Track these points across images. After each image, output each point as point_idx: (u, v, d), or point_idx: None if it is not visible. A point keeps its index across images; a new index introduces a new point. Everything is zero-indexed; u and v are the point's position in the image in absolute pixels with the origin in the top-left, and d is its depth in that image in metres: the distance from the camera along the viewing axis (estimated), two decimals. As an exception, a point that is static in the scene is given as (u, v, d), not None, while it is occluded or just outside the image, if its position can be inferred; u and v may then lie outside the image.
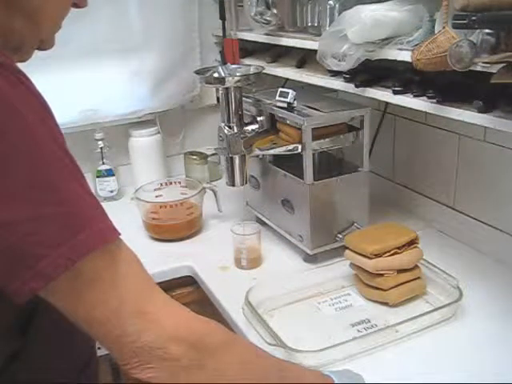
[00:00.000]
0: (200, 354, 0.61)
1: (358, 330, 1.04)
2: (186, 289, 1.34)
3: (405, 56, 0.99)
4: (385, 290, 1.10)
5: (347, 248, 1.16)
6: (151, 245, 1.44)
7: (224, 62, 1.65)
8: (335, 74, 1.24)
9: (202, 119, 1.89)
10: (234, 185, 1.40)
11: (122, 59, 1.66)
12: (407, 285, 1.11)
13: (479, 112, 0.88)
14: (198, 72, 1.40)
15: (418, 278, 1.13)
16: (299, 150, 1.24)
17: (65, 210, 0.55)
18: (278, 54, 1.56)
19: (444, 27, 0.88)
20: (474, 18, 0.77)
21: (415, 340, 1.01)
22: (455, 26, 0.81)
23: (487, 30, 0.81)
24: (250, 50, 1.69)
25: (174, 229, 1.45)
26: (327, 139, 1.26)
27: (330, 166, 1.35)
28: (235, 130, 1.34)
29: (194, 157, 1.78)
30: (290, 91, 1.26)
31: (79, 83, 1.58)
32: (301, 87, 1.40)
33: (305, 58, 1.44)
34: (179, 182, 1.60)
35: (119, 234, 0.60)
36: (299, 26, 1.39)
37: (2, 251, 0.53)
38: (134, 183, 1.68)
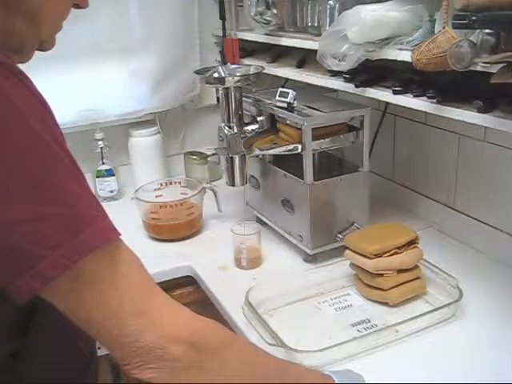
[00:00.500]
0: (200, 354, 0.61)
1: (358, 330, 1.04)
2: (186, 289, 1.34)
3: (405, 56, 0.99)
4: (385, 290, 1.10)
5: (347, 248, 1.16)
6: (151, 245, 1.44)
7: (224, 62, 1.65)
8: (335, 73, 1.24)
9: (202, 119, 1.89)
10: (234, 185, 1.41)
11: (121, 59, 1.66)
12: (407, 285, 1.11)
13: (479, 112, 0.88)
14: (198, 72, 1.40)
15: (418, 278, 1.13)
16: (299, 150, 1.24)
17: (65, 210, 0.55)
18: (278, 54, 1.56)
19: (444, 27, 0.88)
20: (474, 18, 0.77)
21: (415, 340, 1.01)
22: (455, 26, 0.81)
23: (487, 30, 0.81)
24: (249, 50, 1.69)
25: (173, 229, 1.45)
26: (327, 139, 1.26)
27: (330, 165, 1.35)
28: (235, 130, 1.34)
29: (194, 157, 1.78)
30: (290, 91, 1.26)
31: (79, 83, 1.58)
32: (301, 87, 1.40)
33: (305, 58, 1.44)
34: (179, 182, 1.60)
35: (119, 234, 0.60)
36: (299, 26, 1.39)
37: (2, 251, 0.53)
38: (134, 183, 1.68)
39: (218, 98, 1.76)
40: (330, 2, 1.18)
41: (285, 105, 1.27)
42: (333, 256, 1.26)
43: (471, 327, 1.04)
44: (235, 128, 1.34)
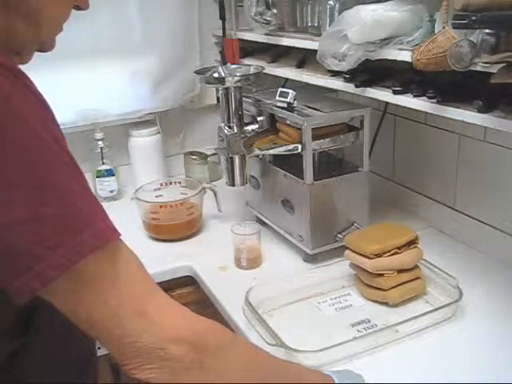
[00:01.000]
0: (200, 355, 0.61)
1: (358, 330, 1.04)
2: (186, 289, 1.34)
3: (405, 56, 0.99)
4: (385, 290, 1.10)
5: (347, 248, 1.16)
6: (151, 245, 1.44)
7: (224, 62, 1.65)
8: (335, 73, 1.24)
9: (202, 119, 1.88)
10: (234, 185, 1.40)
11: (121, 59, 1.66)
12: (407, 285, 1.11)
13: (479, 112, 0.88)
14: (197, 72, 1.40)
15: (418, 278, 1.13)
16: (299, 150, 1.24)
17: (65, 210, 0.55)
18: (278, 54, 1.56)
19: (444, 27, 0.88)
20: (474, 18, 0.77)
21: (415, 340, 1.01)
22: (455, 26, 0.81)
23: (487, 30, 0.81)
24: (249, 50, 1.69)
25: (173, 229, 1.45)
26: (327, 139, 1.26)
27: (330, 165, 1.35)
28: (235, 130, 1.34)
29: (194, 157, 1.78)
30: (290, 91, 1.26)
31: (79, 83, 1.58)
32: (301, 87, 1.40)
33: (305, 58, 1.44)
34: (179, 182, 1.60)
35: (119, 235, 0.60)
36: (299, 26, 1.39)
37: (2, 251, 0.53)
38: (134, 183, 1.68)
39: (218, 98, 1.76)
40: (330, 2, 1.18)
41: (285, 105, 1.27)
42: (333, 256, 1.26)
43: (471, 327, 1.04)
44: (235, 128, 1.34)
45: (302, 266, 1.28)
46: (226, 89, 1.33)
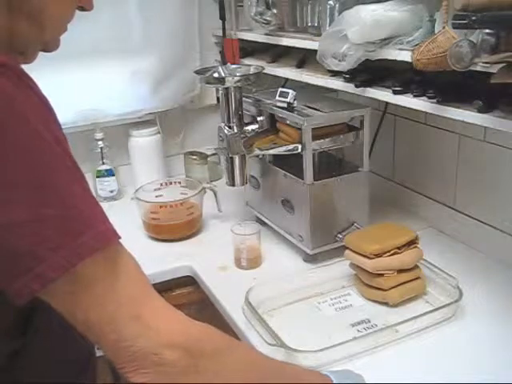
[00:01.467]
0: (195, 360, 0.61)
1: (358, 330, 1.04)
2: (186, 289, 1.34)
3: (405, 56, 0.99)
4: (385, 290, 1.10)
5: (347, 248, 1.16)
6: (151, 245, 1.44)
7: (224, 62, 1.65)
8: (335, 73, 1.24)
9: (202, 119, 1.88)
10: (234, 185, 1.40)
11: (121, 59, 1.66)
12: (407, 285, 1.11)
13: (479, 112, 0.88)
14: (197, 72, 1.40)
15: (418, 277, 1.13)
16: (299, 150, 1.24)
17: (66, 212, 0.55)
18: (278, 54, 1.56)
19: (444, 27, 0.88)
20: (474, 18, 0.77)
21: (415, 340, 1.01)
22: (455, 26, 0.81)
23: (487, 30, 0.81)
24: (249, 50, 1.69)
25: (173, 229, 1.45)
26: (327, 139, 1.26)
27: (330, 165, 1.35)
28: (235, 130, 1.34)
29: (194, 157, 1.78)
30: (290, 91, 1.26)
31: (79, 83, 1.58)
32: (301, 87, 1.40)
33: (305, 58, 1.44)
34: (179, 182, 1.60)
35: (119, 238, 0.60)
36: (299, 26, 1.39)
37: (2, 252, 0.53)
38: (134, 183, 1.68)
39: (218, 98, 1.76)
40: (330, 2, 1.18)
41: (285, 105, 1.27)
42: (333, 256, 1.26)
43: (471, 327, 1.04)
44: (235, 128, 1.34)
45: (302, 266, 1.28)
46: (226, 89, 1.33)
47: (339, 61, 1.10)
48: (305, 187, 1.24)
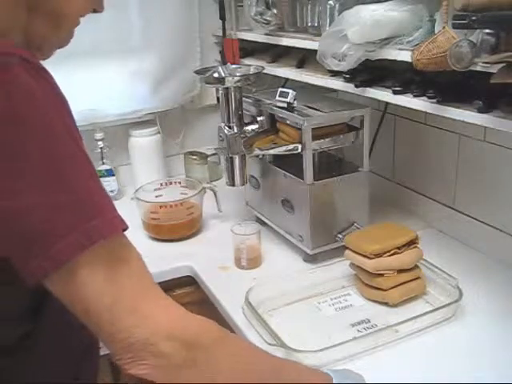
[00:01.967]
0: (193, 352, 0.61)
1: (358, 330, 1.04)
2: (186, 289, 1.34)
3: (405, 56, 0.99)
4: (385, 290, 1.10)
5: (347, 248, 1.16)
6: (151, 245, 1.44)
7: (224, 62, 1.65)
8: (335, 73, 1.24)
9: (202, 119, 1.89)
10: (234, 185, 1.40)
11: (121, 59, 1.66)
12: (407, 285, 1.11)
13: (479, 112, 0.88)
14: (197, 72, 1.40)
15: (418, 277, 1.13)
16: (299, 150, 1.24)
17: (78, 197, 0.58)
18: (278, 54, 1.56)
19: (444, 27, 0.88)
20: (474, 18, 0.77)
21: (415, 340, 1.01)
22: (455, 26, 0.81)
23: (487, 30, 0.81)
24: (249, 50, 1.69)
25: (173, 229, 1.45)
26: (327, 139, 1.26)
27: (330, 165, 1.35)
28: (235, 130, 1.34)
29: (194, 157, 1.78)
30: (290, 91, 1.26)
31: (79, 83, 1.57)
32: (301, 87, 1.40)
33: (305, 58, 1.44)
34: (179, 182, 1.60)
35: (127, 227, 0.62)
36: (299, 26, 1.39)
37: (19, 235, 0.56)
38: (134, 183, 1.68)
39: (218, 98, 1.75)
40: (330, 2, 1.18)
41: (285, 105, 1.27)
42: (333, 256, 1.26)
43: (471, 327, 1.04)
44: (235, 128, 1.34)
45: (302, 266, 1.28)
46: (226, 89, 1.33)
47: (339, 61, 1.10)
48: (305, 187, 1.24)
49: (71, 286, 0.58)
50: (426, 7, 1.03)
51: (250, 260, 1.29)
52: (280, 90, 1.29)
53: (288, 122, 1.28)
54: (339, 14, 1.10)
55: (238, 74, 1.36)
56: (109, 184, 1.71)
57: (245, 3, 1.47)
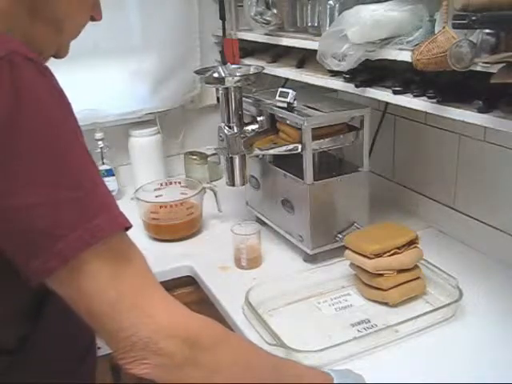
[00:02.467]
0: (194, 351, 0.61)
1: (358, 330, 1.04)
2: (186, 289, 1.34)
3: (405, 56, 0.99)
4: (385, 290, 1.10)
5: (347, 248, 1.16)
6: (151, 245, 1.44)
7: (224, 62, 1.65)
8: (335, 73, 1.24)
9: (202, 119, 1.89)
10: (234, 185, 1.40)
11: (121, 59, 1.66)
12: (407, 285, 1.11)
13: (479, 112, 0.88)
14: (197, 72, 1.40)
15: (418, 277, 1.13)
16: (299, 150, 1.24)
17: (83, 195, 0.58)
18: (278, 54, 1.56)
19: (444, 27, 0.88)
20: (474, 18, 0.77)
21: (415, 340, 1.01)
22: (455, 26, 0.81)
23: (487, 30, 0.81)
24: (249, 50, 1.69)
25: (173, 229, 1.45)
26: (327, 139, 1.26)
27: (330, 165, 1.35)
28: (235, 130, 1.34)
29: (194, 157, 1.78)
30: (290, 91, 1.26)
31: (79, 83, 1.57)
32: (301, 87, 1.40)
33: (305, 58, 1.44)
34: (179, 182, 1.60)
35: (131, 226, 0.62)
36: (299, 26, 1.39)
37: (22, 232, 0.56)
38: (134, 183, 1.68)
39: (218, 98, 1.75)
40: (330, 2, 1.18)
41: (285, 105, 1.27)
42: (333, 256, 1.26)
43: (471, 327, 1.04)
44: (235, 128, 1.34)
45: (301, 266, 1.28)
46: (226, 89, 1.33)
47: (339, 61, 1.10)
48: (305, 187, 1.24)
49: (75, 284, 0.58)
50: (425, 7, 1.03)
51: (249, 260, 1.29)
52: (280, 90, 1.29)
53: (288, 122, 1.28)
54: (339, 14, 1.10)
55: (238, 74, 1.36)
56: (109, 184, 1.70)
57: (245, 3, 1.47)
